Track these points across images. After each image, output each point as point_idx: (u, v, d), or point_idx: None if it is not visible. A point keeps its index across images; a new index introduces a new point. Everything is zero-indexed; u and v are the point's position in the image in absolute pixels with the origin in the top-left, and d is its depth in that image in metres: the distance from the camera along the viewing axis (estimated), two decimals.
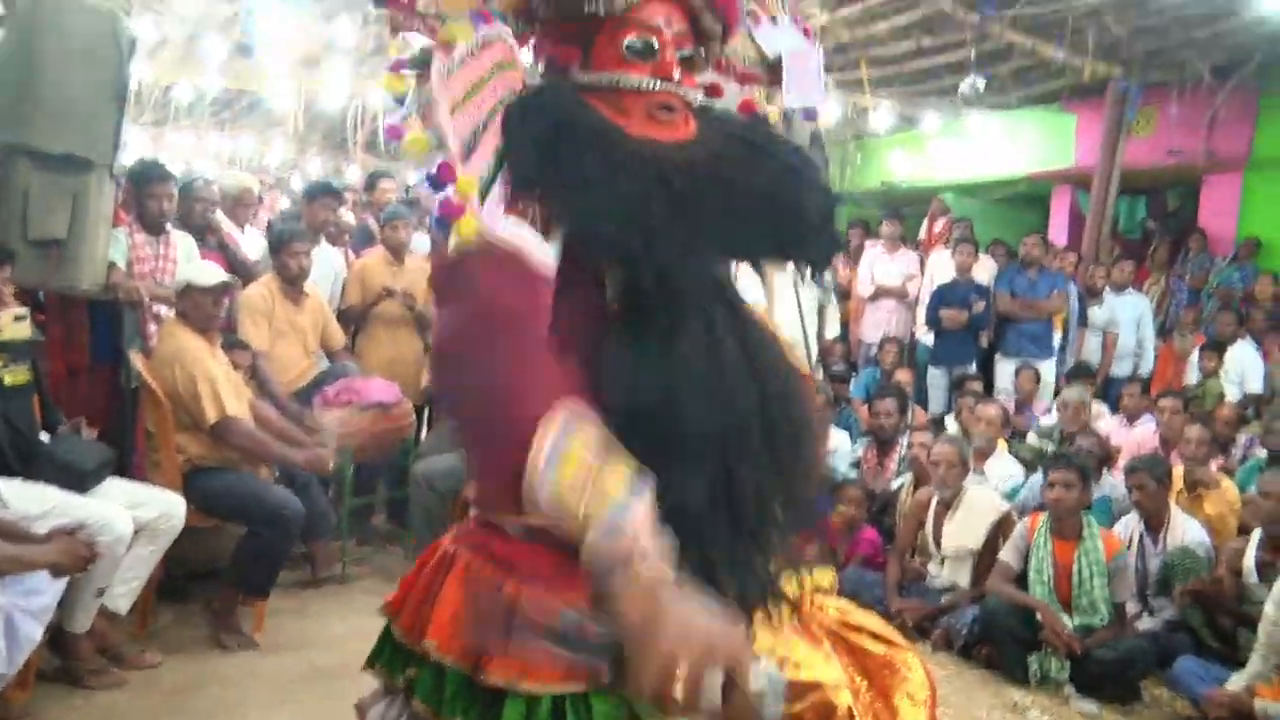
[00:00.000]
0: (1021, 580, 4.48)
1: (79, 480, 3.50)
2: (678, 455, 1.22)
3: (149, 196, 4.48)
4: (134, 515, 3.55)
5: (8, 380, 3.48)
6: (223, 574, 4.10)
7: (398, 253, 5.66)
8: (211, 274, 4.06)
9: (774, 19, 1.59)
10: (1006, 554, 4.55)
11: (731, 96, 1.56)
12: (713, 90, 1.48)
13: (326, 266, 5.60)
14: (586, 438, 1.12)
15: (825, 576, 4.67)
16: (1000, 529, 4.76)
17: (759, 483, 1.28)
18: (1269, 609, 4.00)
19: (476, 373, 1.17)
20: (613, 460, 1.12)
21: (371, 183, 6.78)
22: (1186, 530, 4.87)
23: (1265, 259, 9.45)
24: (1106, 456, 5.83)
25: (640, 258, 1.23)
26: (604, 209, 1.23)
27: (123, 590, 3.63)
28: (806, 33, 1.63)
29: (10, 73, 3.70)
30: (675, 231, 1.24)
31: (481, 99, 1.30)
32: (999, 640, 4.35)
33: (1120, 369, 8.06)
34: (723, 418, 1.26)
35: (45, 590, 3.13)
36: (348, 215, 6.83)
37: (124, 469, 3.94)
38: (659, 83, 1.32)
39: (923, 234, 10.26)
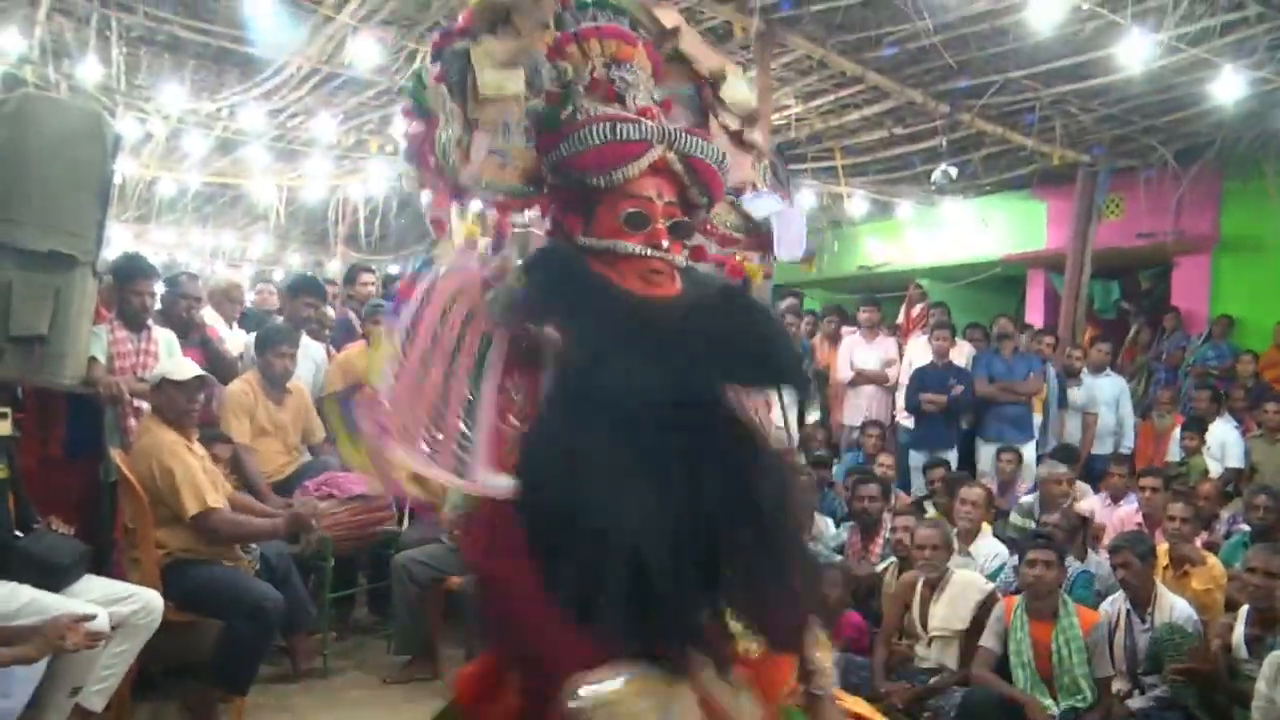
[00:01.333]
0: (1003, 663, 4.46)
1: (55, 577, 3.48)
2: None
3: (132, 293, 4.52)
4: (111, 611, 3.50)
5: None
6: (201, 671, 4.03)
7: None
8: (186, 369, 4.10)
9: (756, 188, 1.83)
10: (986, 639, 4.54)
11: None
12: (697, 253, 1.68)
13: (308, 360, 5.63)
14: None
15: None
16: (986, 608, 4.75)
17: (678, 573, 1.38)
18: (1261, 686, 3.99)
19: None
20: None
21: (352, 276, 6.87)
22: (1174, 607, 4.84)
23: (1240, 337, 9.64)
24: (1087, 532, 5.84)
25: (625, 389, 1.40)
26: (597, 342, 1.43)
27: (98, 688, 3.56)
28: (786, 197, 1.90)
29: None
30: (653, 367, 1.42)
31: (439, 355, 1.50)
32: None
33: (1101, 448, 8.11)
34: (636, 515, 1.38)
35: (17, 689, 3.09)
36: (328, 309, 6.88)
37: (101, 565, 3.89)
38: (649, 250, 1.52)
39: (900, 319, 10.38)
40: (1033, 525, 6.07)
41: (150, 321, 4.71)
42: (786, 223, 1.81)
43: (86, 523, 4.06)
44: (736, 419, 1.55)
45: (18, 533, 3.62)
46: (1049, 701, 4.31)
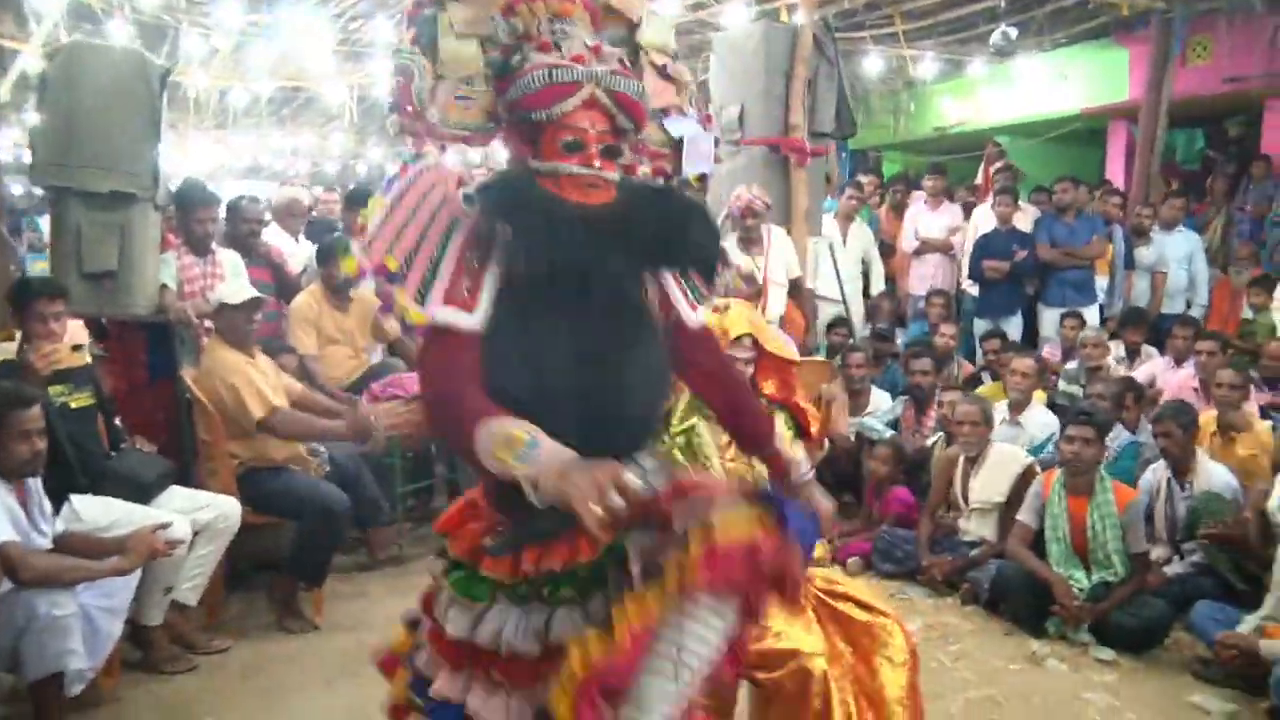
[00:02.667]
0: (1040, 537, 4.59)
1: (142, 492, 3.89)
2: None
3: (194, 220, 4.83)
4: (193, 519, 3.93)
5: (73, 404, 3.86)
6: (283, 566, 4.46)
7: None
8: (241, 292, 4.39)
9: (682, 111, 2.18)
10: (1023, 514, 4.66)
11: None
12: (629, 169, 2.00)
13: None
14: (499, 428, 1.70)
15: (819, 549, 4.92)
16: (1025, 481, 4.87)
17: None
18: None
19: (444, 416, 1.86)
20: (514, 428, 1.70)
21: None
22: (1213, 475, 4.90)
23: None
24: (1142, 398, 5.85)
25: (568, 270, 1.79)
26: (547, 241, 1.80)
27: (189, 586, 4.01)
28: (706, 120, 2.24)
29: (58, 124, 4.06)
30: (593, 254, 1.82)
31: (419, 220, 1.86)
32: (1014, 602, 4.48)
33: (1172, 307, 7.92)
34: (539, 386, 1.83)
35: (119, 591, 3.50)
36: None
37: (184, 478, 4.29)
38: (585, 169, 1.86)
39: (979, 179, 10.18)
40: (1079, 392, 6.11)
41: (215, 245, 5.03)
42: (695, 142, 2.16)
43: (169, 440, 4.46)
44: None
45: (109, 453, 4.04)
46: (1080, 574, 4.45)
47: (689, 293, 2.15)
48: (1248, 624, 3.98)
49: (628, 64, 2.03)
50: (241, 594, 4.63)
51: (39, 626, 3.09)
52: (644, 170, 2.10)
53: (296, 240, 6.07)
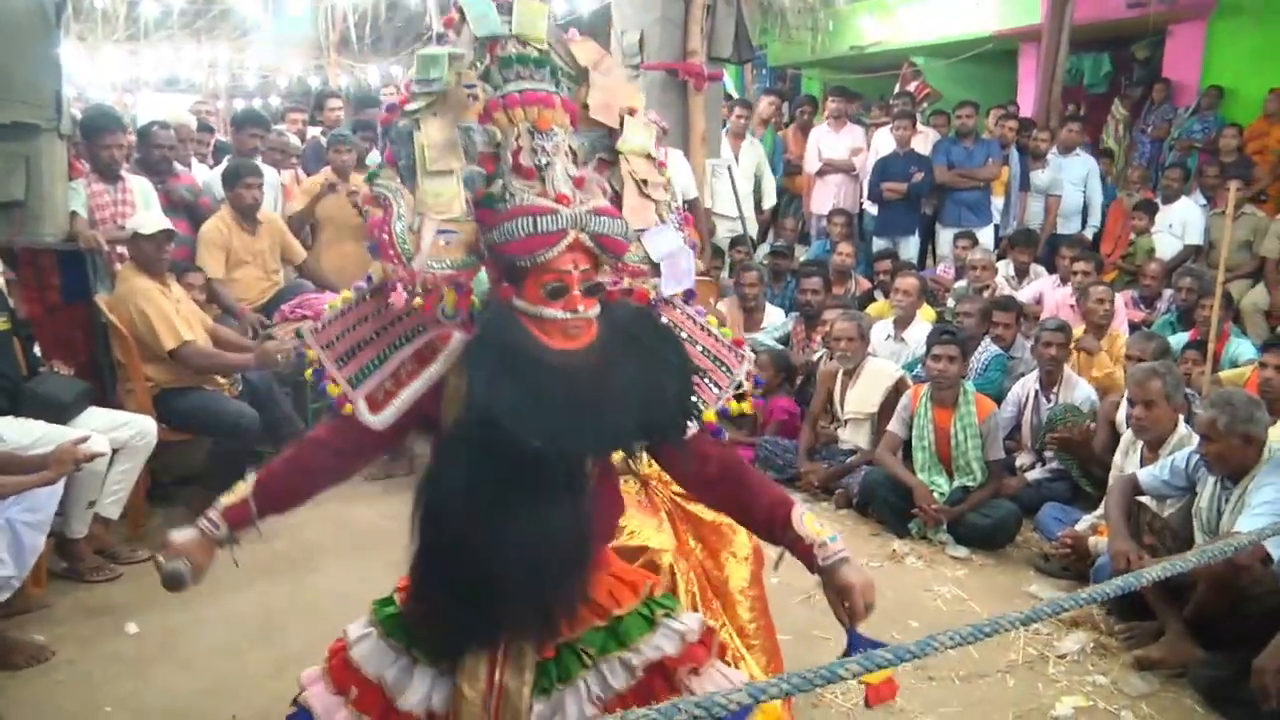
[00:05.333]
0: (908, 446, 5.00)
1: (61, 412, 4.08)
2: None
3: (100, 147, 4.92)
4: (112, 437, 4.13)
5: None
6: (200, 479, 4.71)
7: (343, 173, 6.07)
8: (153, 223, 4.54)
9: (662, 220, 2.12)
10: (893, 425, 5.05)
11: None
12: (609, 295, 1.98)
13: (267, 186, 5.93)
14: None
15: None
16: (896, 393, 5.26)
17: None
18: (1117, 458, 4.52)
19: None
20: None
21: (320, 102, 7.13)
22: (1076, 388, 5.35)
23: (1230, 109, 9.55)
24: (1022, 315, 6.25)
25: (535, 437, 1.77)
26: (527, 422, 1.77)
27: (111, 500, 4.24)
28: (686, 223, 2.21)
29: None
30: (571, 433, 1.79)
31: (383, 318, 1.99)
32: (879, 506, 4.90)
33: (1068, 229, 8.32)
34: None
35: (44, 505, 3.71)
36: (292, 136, 7.17)
37: (103, 398, 4.49)
38: (568, 315, 1.86)
39: (894, 98, 10.39)
40: None
41: (124, 172, 5.13)
42: (675, 259, 2.12)
43: (86, 362, 4.64)
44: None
45: (27, 376, 4.21)
46: (942, 480, 4.87)
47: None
48: (1084, 523, 4.44)
49: (607, 187, 2.03)
50: (162, 507, 4.86)
51: None
52: (624, 290, 2.07)
53: (207, 164, 6.15)
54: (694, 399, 2.02)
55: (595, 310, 1.90)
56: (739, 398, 2.19)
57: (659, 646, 1.99)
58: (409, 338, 1.99)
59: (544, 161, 1.90)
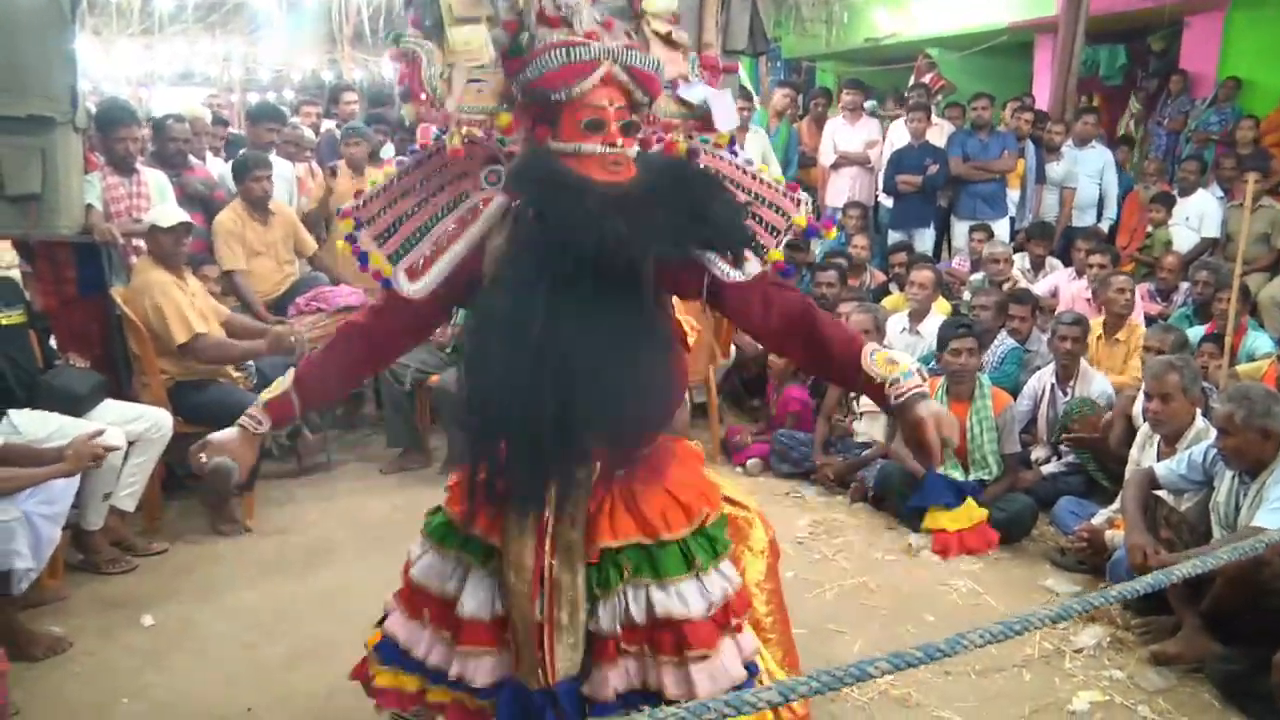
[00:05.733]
0: None
1: (76, 405, 4.10)
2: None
3: (115, 140, 4.94)
4: (127, 430, 4.15)
5: (4, 322, 4.04)
6: None
7: (357, 166, 6.08)
8: (171, 216, 4.56)
9: (688, 79, 2.16)
10: None
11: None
12: (644, 143, 2.02)
13: (280, 179, 6.02)
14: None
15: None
16: None
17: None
18: (1134, 452, 4.49)
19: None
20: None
21: (335, 95, 7.13)
22: (1093, 382, 5.31)
23: (1247, 100, 9.46)
24: (1038, 308, 6.22)
25: (600, 248, 1.78)
26: (580, 222, 1.80)
27: (126, 493, 4.26)
28: (713, 74, 2.23)
29: None
30: (624, 233, 1.80)
31: (425, 189, 2.02)
32: (894, 499, 4.88)
33: (1083, 221, 8.27)
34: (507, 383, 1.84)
35: (60, 498, 3.72)
36: (306, 129, 7.18)
37: (119, 391, 4.50)
38: (607, 149, 1.86)
39: (909, 91, 10.33)
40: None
41: (139, 165, 5.15)
42: (718, 102, 2.14)
43: (102, 355, 4.65)
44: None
45: (43, 368, 4.23)
46: (958, 473, 4.84)
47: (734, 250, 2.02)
48: (1100, 517, 4.41)
49: (632, 34, 2.07)
50: (177, 500, 4.88)
51: None
52: (658, 145, 2.10)
53: (203, 160, 6.17)
54: (747, 228, 2.00)
55: (634, 149, 1.91)
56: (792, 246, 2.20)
57: (685, 599, 1.98)
58: (451, 207, 2.00)
59: (569, 10, 1.92)
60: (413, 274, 1.99)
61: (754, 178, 2.14)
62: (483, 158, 2.02)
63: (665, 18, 2.13)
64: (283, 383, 2.09)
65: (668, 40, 2.12)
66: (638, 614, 1.98)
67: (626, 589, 1.97)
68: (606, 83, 1.85)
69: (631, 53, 1.89)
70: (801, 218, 2.11)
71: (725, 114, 2.14)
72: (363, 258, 2.03)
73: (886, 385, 1.95)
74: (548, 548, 1.96)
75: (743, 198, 2.08)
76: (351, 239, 2.04)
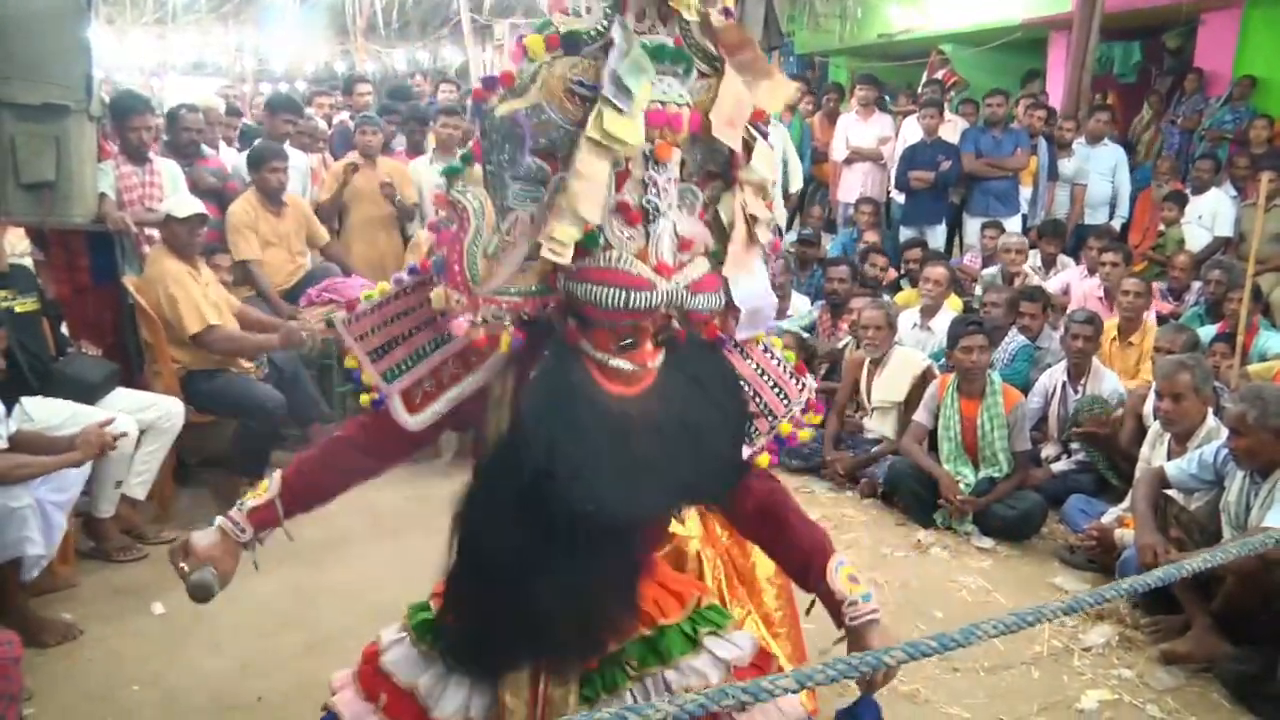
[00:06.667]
0: (934, 435, 4.97)
1: (89, 393, 4.12)
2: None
3: (129, 129, 4.95)
4: (138, 418, 4.17)
5: (18, 309, 4.05)
6: (226, 461, 4.74)
7: (369, 155, 6.09)
8: (187, 206, 4.57)
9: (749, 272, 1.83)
10: (919, 414, 5.03)
11: None
12: (677, 336, 1.80)
13: (294, 170, 6.02)
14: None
15: None
16: (923, 382, 5.23)
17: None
18: (1144, 450, 4.48)
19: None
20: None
21: (349, 86, 7.14)
22: (1104, 380, 5.30)
23: (1262, 99, 9.40)
24: (1049, 306, 6.20)
25: (598, 514, 1.65)
26: (580, 487, 1.64)
27: (138, 481, 4.27)
28: (774, 249, 1.91)
29: None
30: (621, 491, 1.65)
31: (420, 315, 1.86)
32: (904, 496, 4.88)
33: (1095, 219, 8.26)
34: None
35: (71, 485, 3.75)
36: (320, 120, 7.19)
37: (130, 379, 4.52)
38: (638, 369, 1.69)
39: (922, 87, 10.31)
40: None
41: (152, 154, 5.16)
42: (757, 310, 1.88)
43: (114, 343, 4.67)
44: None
45: (56, 356, 4.25)
46: (968, 470, 4.84)
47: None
48: (1110, 516, 4.41)
49: (709, 240, 1.77)
50: (189, 488, 4.89)
51: None
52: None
53: (216, 150, 6.18)
54: (743, 446, 1.88)
55: (660, 358, 1.74)
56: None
57: (702, 673, 1.88)
58: (451, 336, 1.79)
59: (653, 208, 1.66)
60: (410, 404, 1.86)
61: (769, 354, 2.01)
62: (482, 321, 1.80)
63: (761, 191, 1.82)
64: (270, 488, 1.97)
65: (751, 233, 1.82)
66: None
67: (646, 681, 1.88)
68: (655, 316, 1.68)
69: (695, 299, 1.69)
70: (798, 407, 2.00)
71: (756, 323, 1.89)
72: (355, 378, 1.93)
73: (845, 604, 1.87)
74: (544, 668, 1.87)
75: (749, 373, 1.96)
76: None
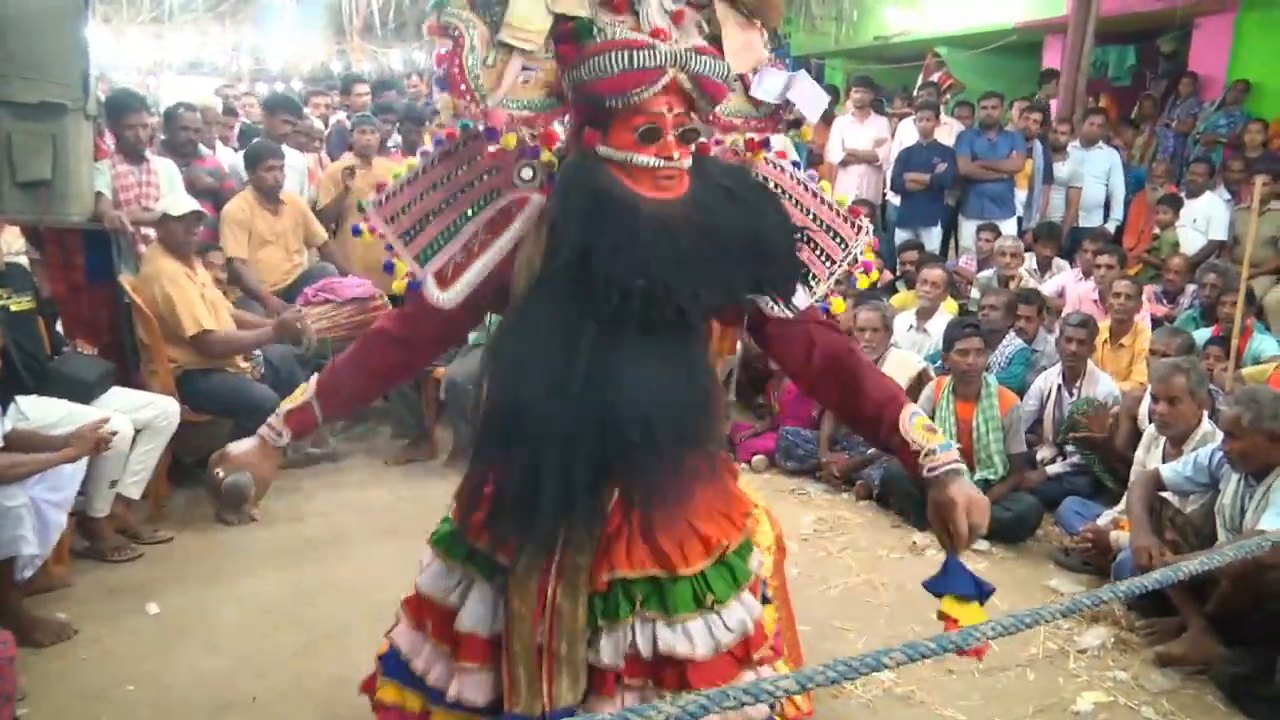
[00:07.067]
0: None
1: (84, 392, 4.11)
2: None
3: (125, 127, 4.94)
4: (134, 417, 4.17)
5: (13, 308, 4.04)
6: None
7: (364, 155, 6.09)
8: (183, 204, 4.56)
9: (755, 71, 1.90)
10: None
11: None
12: (701, 149, 1.82)
13: (291, 169, 6.03)
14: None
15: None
16: (919, 384, 5.23)
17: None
18: (1139, 453, 4.49)
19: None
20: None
21: (347, 86, 7.14)
22: (1099, 382, 5.31)
23: (1256, 103, 9.43)
24: (1044, 308, 6.21)
25: (646, 296, 1.63)
26: (627, 261, 1.64)
27: (133, 480, 4.26)
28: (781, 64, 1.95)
29: None
30: (675, 274, 1.64)
31: (451, 186, 1.85)
32: (900, 498, 4.89)
33: (1090, 222, 8.27)
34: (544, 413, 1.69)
35: (67, 485, 3.74)
36: (316, 120, 7.18)
37: (126, 378, 4.51)
38: (661, 163, 1.68)
39: (918, 89, 10.33)
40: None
41: (149, 153, 5.15)
42: (800, 89, 1.88)
43: (110, 342, 4.66)
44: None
45: (51, 355, 4.24)
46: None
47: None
48: (1105, 518, 4.41)
49: (704, 26, 1.83)
50: (184, 488, 4.88)
51: None
52: (716, 149, 1.93)
53: (212, 149, 6.17)
54: (801, 261, 1.85)
55: (689, 160, 1.72)
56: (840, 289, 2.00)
57: (691, 638, 1.85)
58: (481, 205, 1.82)
59: None
60: (442, 281, 1.83)
61: (815, 195, 1.99)
62: (515, 150, 1.83)
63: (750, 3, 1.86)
64: (305, 391, 1.94)
65: (748, 20, 1.86)
66: (644, 648, 1.86)
67: (634, 622, 1.86)
68: (668, 90, 1.67)
69: (701, 59, 1.69)
70: (867, 249, 1.98)
71: (810, 101, 1.90)
72: (388, 266, 1.92)
73: (922, 454, 1.79)
74: (553, 571, 1.83)
75: (799, 218, 1.93)
76: (376, 231, 1.90)
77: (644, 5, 1.70)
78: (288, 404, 1.95)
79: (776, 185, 1.98)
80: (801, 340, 1.90)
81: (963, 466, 1.81)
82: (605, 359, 1.66)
